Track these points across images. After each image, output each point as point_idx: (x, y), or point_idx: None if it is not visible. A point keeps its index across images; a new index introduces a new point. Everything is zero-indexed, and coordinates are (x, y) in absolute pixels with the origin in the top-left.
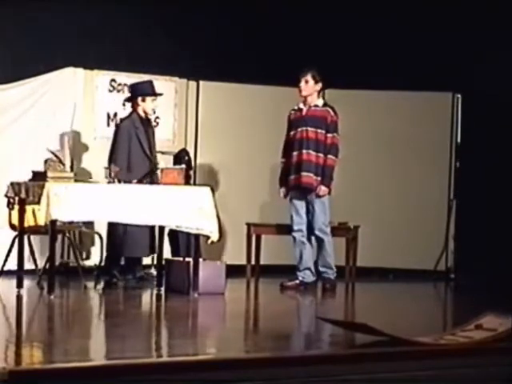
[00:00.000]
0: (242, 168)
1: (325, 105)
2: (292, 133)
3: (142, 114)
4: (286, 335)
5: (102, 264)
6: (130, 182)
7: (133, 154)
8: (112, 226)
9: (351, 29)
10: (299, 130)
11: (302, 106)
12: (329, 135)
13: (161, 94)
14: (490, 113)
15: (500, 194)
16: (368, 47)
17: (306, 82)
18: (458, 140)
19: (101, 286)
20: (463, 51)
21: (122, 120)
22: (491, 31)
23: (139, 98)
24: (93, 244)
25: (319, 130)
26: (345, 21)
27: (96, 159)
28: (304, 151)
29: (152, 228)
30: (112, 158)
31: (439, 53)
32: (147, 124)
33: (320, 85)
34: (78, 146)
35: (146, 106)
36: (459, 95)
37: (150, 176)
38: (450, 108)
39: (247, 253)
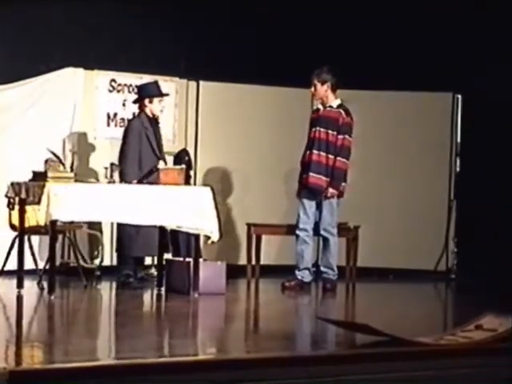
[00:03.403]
0: (242, 168)
1: (339, 106)
2: (308, 132)
3: (150, 115)
4: (287, 335)
5: (102, 264)
6: (141, 181)
7: (143, 154)
8: (122, 227)
9: (351, 29)
10: (313, 129)
11: (319, 106)
12: (339, 137)
13: (167, 95)
14: (490, 113)
15: (500, 194)
16: (367, 47)
17: (315, 86)
18: (458, 140)
19: (116, 285)
20: (463, 51)
21: (130, 120)
22: (491, 31)
23: (146, 100)
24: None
25: (330, 131)
26: (344, 21)
27: (96, 159)
28: (315, 152)
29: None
30: (122, 158)
31: (439, 53)
32: (155, 124)
33: (328, 84)
34: (78, 146)
35: (154, 107)
36: (459, 95)
37: (149, 175)
38: (450, 108)
39: (247, 253)
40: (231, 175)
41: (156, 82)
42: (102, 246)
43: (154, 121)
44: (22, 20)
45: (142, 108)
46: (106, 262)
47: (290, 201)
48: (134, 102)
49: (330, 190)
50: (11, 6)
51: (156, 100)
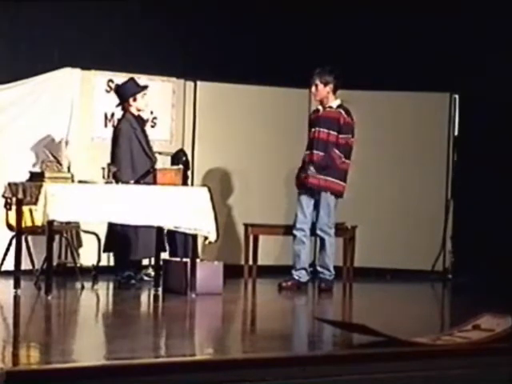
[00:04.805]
0: (240, 168)
1: (339, 106)
2: (308, 133)
3: (136, 113)
4: (284, 336)
5: (99, 264)
6: (138, 182)
7: (135, 155)
8: (120, 229)
9: (350, 29)
10: (313, 130)
11: (319, 107)
12: (342, 137)
13: (147, 87)
14: (487, 113)
15: (497, 194)
16: (365, 48)
17: (316, 86)
18: (456, 140)
19: (115, 286)
20: (461, 52)
21: (118, 123)
22: (490, 32)
23: (130, 99)
24: (81, 244)
25: (331, 132)
26: (344, 21)
27: (93, 159)
28: (314, 152)
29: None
30: (115, 162)
31: (437, 53)
32: (142, 122)
33: (331, 86)
34: (75, 147)
35: (138, 103)
36: (457, 95)
37: (146, 176)
38: (448, 108)
39: (245, 253)
40: (230, 176)
41: (133, 79)
42: (99, 246)
43: (141, 119)
44: (20, 20)
45: (126, 108)
46: (102, 263)
47: (289, 201)
48: (118, 105)
49: (330, 189)
50: (10, 6)
51: (139, 96)
